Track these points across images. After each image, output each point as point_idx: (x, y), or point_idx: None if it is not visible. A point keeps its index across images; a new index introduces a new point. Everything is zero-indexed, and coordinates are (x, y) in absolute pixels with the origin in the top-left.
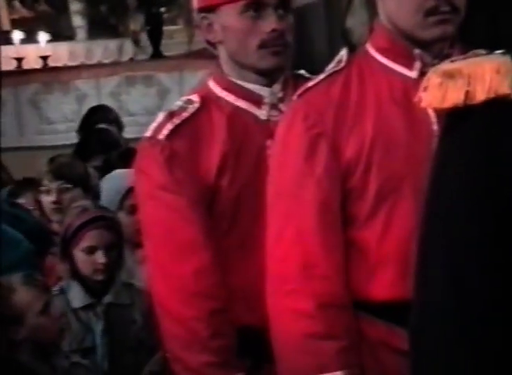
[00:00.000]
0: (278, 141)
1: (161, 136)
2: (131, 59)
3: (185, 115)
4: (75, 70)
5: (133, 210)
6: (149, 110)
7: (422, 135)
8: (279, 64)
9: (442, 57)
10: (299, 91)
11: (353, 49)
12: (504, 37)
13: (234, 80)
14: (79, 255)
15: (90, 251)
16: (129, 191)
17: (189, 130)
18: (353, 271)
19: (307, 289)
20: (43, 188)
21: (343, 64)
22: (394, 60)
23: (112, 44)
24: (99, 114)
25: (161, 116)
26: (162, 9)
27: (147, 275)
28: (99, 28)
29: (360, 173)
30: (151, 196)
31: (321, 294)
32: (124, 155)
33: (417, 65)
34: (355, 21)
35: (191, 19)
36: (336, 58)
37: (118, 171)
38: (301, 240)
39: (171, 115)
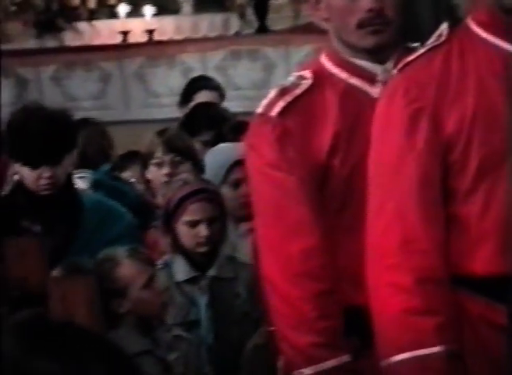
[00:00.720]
0: (379, 116)
1: (273, 113)
2: (237, 33)
3: (297, 92)
4: (180, 44)
5: (237, 184)
6: (256, 84)
7: None
8: (381, 42)
9: None
10: (399, 66)
11: (458, 23)
12: None
13: (346, 57)
14: (181, 228)
15: (193, 224)
16: (234, 164)
17: (301, 107)
18: (453, 246)
19: (407, 263)
20: (155, 161)
21: (443, 38)
22: (495, 34)
23: (217, 18)
24: (200, 82)
25: (272, 93)
26: None
27: (256, 249)
28: (205, 2)
29: (461, 148)
30: (261, 174)
31: (421, 268)
32: (236, 128)
33: None
34: None
35: None
36: (437, 33)
37: (223, 145)
38: (401, 214)
39: (283, 91)
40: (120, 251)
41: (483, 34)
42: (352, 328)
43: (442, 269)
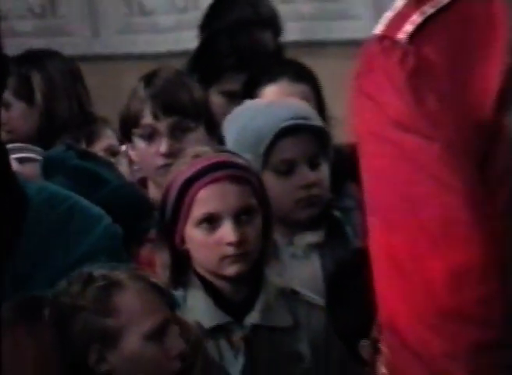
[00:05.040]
0: None
1: (402, 36)
2: None
3: (440, 0)
4: None
5: (288, 168)
6: None
7: None
8: None
9: None
10: None
11: None
12: None
13: None
14: (192, 234)
15: (211, 223)
16: (284, 134)
17: (448, 26)
18: None
19: None
20: (142, 130)
21: None
22: None
23: None
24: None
25: (400, 2)
26: None
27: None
28: None
29: None
30: (382, 140)
31: None
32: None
33: None
34: None
35: None
36: None
37: (260, 100)
38: None
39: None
40: (118, 271)
41: None
42: None
43: None
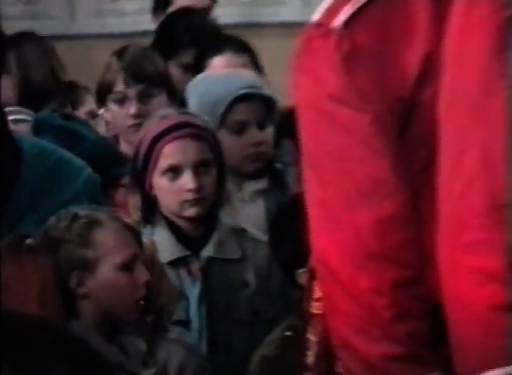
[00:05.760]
0: (455, 27)
1: (337, 23)
2: None
3: None
4: None
5: (241, 128)
6: None
7: None
8: None
9: None
10: None
11: None
12: None
13: None
14: (158, 182)
15: (174, 173)
16: (237, 100)
17: (376, 16)
18: None
19: (497, 240)
20: (115, 96)
21: None
22: None
23: None
24: None
25: None
26: None
27: (309, 223)
28: None
29: None
30: (319, 110)
31: None
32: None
33: None
34: None
35: None
36: None
37: (218, 72)
38: (488, 168)
39: None
40: (99, 212)
41: None
42: (442, 333)
43: None
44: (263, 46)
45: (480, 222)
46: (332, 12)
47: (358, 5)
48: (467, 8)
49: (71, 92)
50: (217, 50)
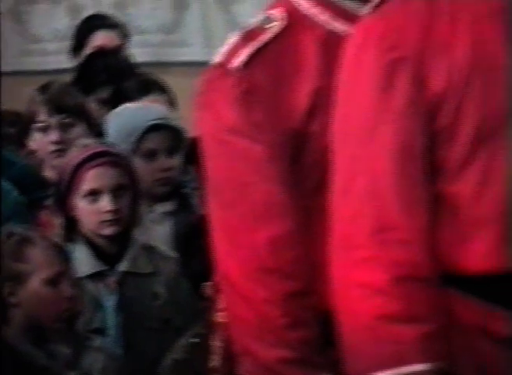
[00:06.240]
0: (346, 66)
1: (235, 64)
2: None
3: (265, 37)
4: None
5: (152, 154)
6: (164, 27)
7: None
8: None
9: None
10: (372, 3)
11: None
12: None
13: None
14: (80, 204)
15: (93, 195)
16: (149, 130)
17: (270, 57)
18: (441, 235)
19: (382, 258)
20: (39, 125)
21: None
22: None
23: None
24: (95, 21)
25: (234, 38)
26: None
27: (212, 241)
28: None
29: (451, 110)
30: (218, 141)
31: (400, 263)
32: (142, 84)
33: None
34: None
35: None
36: None
37: (132, 105)
38: (374, 194)
39: (247, 36)
40: (30, 230)
41: None
42: (329, 340)
43: (426, 265)
44: (169, 83)
45: (367, 241)
46: (231, 54)
47: (255, 47)
48: (358, 49)
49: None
50: (145, 92)
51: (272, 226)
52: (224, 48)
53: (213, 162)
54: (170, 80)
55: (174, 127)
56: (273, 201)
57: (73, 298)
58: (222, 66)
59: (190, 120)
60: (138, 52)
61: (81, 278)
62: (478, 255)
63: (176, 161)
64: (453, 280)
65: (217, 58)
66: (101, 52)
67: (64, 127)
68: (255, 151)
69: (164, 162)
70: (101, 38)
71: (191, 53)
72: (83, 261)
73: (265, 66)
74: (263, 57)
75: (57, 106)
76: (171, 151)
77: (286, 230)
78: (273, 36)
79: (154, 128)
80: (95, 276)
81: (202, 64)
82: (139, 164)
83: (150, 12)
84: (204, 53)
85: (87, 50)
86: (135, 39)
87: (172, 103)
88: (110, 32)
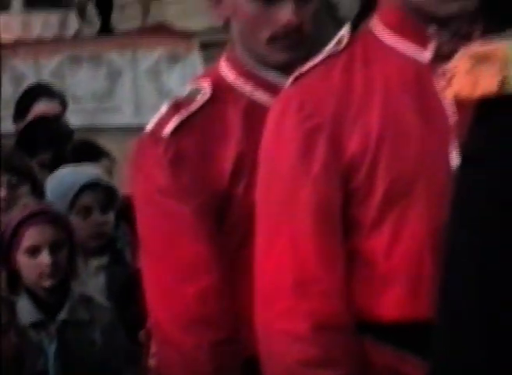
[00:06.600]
0: (268, 134)
1: (165, 132)
2: (76, 35)
3: (193, 107)
4: (10, 47)
5: (87, 212)
6: (97, 95)
7: (437, 128)
8: (294, 58)
9: (461, 36)
10: (293, 75)
11: (339, 25)
12: None
13: (251, 67)
14: (21, 259)
15: (33, 251)
16: (83, 189)
17: (198, 125)
18: (356, 286)
19: (302, 308)
20: None
21: (343, 44)
22: (404, 39)
23: (53, 16)
24: (37, 90)
25: (164, 108)
26: None
27: (146, 293)
28: None
29: (365, 173)
30: (151, 202)
31: (319, 313)
32: (77, 147)
33: (432, 45)
34: None
35: None
36: (336, 38)
37: (68, 168)
38: (295, 250)
39: (176, 106)
40: None
41: (391, 39)
42: None
43: (343, 314)
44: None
45: (289, 293)
46: (162, 122)
47: (184, 116)
48: (279, 117)
49: None
50: (96, 159)
51: (200, 281)
52: (155, 117)
53: (145, 221)
54: (103, 143)
55: (106, 186)
56: (200, 257)
57: (18, 345)
58: (153, 133)
59: (122, 179)
60: (74, 118)
61: (25, 326)
62: (390, 305)
63: (109, 217)
64: (369, 328)
65: (149, 126)
66: (43, 119)
67: (12, 186)
68: (183, 211)
69: (98, 218)
70: (42, 107)
71: (122, 119)
72: (26, 311)
73: (194, 134)
74: (191, 125)
75: (6, 167)
76: (104, 208)
77: (212, 284)
78: (201, 105)
79: (88, 187)
80: (38, 325)
81: (132, 129)
82: (75, 221)
83: (85, 82)
84: (134, 119)
85: (30, 117)
86: (72, 106)
87: (109, 166)
88: (51, 101)
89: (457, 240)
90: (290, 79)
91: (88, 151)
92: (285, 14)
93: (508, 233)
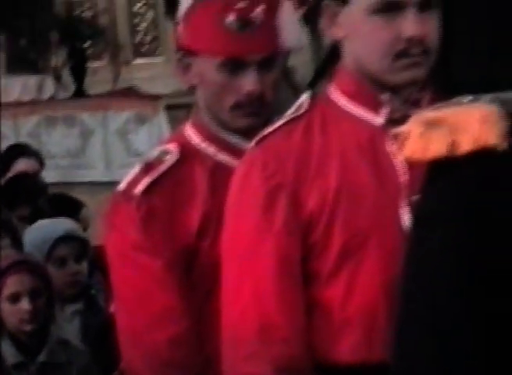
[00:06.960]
0: (233, 191)
1: (138, 191)
2: (52, 98)
3: (162, 168)
4: None
5: (62, 262)
6: (71, 152)
7: (390, 188)
8: (256, 124)
9: (412, 102)
10: (257, 138)
11: (295, 89)
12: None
13: (215, 131)
14: (3, 306)
15: (14, 298)
16: (58, 240)
17: (167, 184)
18: (316, 333)
19: (265, 353)
20: None
21: (303, 109)
22: (359, 105)
23: (31, 80)
24: (17, 149)
25: (136, 168)
26: (86, 44)
27: (119, 337)
28: (17, 63)
29: (322, 228)
30: (124, 256)
31: (281, 358)
32: (52, 201)
33: (385, 110)
34: (298, 60)
35: (117, 55)
36: (297, 103)
37: (44, 221)
38: (258, 300)
39: (147, 167)
40: None
41: (346, 105)
42: None
43: (303, 358)
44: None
45: (252, 338)
46: (133, 182)
47: (154, 176)
48: (244, 177)
49: None
50: (73, 213)
51: (170, 328)
52: (128, 176)
53: (118, 273)
54: (76, 197)
55: (80, 238)
56: (170, 306)
57: None
58: (126, 191)
59: (95, 230)
60: (50, 173)
61: (8, 367)
62: (346, 350)
63: (83, 266)
64: (327, 371)
65: (122, 184)
66: (22, 176)
67: None
68: (154, 265)
69: (72, 267)
70: (22, 164)
71: (94, 175)
72: (9, 353)
73: (163, 193)
74: (161, 184)
75: None
76: (78, 258)
77: (182, 330)
78: (169, 166)
79: (63, 240)
80: (19, 366)
81: (103, 184)
82: (51, 270)
83: (60, 140)
84: (105, 175)
85: (10, 174)
86: (48, 162)
87: (84, 217)
88: (29, 159)
89: (410, 297)
90: (253, 142)
91: (65, 204)
92: (248, 83)
93: (460, 289)
